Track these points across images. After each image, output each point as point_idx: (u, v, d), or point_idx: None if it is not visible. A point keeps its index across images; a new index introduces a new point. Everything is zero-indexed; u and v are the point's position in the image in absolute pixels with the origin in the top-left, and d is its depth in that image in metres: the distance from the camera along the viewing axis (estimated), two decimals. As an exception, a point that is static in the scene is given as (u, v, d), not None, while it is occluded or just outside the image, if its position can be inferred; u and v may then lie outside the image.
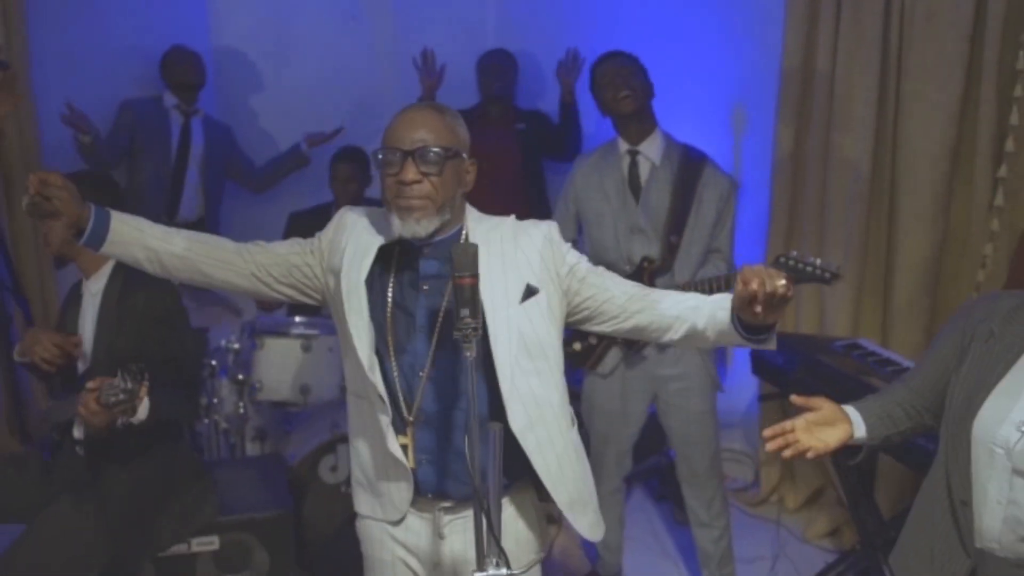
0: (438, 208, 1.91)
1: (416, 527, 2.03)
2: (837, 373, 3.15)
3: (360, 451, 2.08)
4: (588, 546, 3.74)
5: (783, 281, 1.72)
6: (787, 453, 1.99)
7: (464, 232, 2.00)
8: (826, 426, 2.03)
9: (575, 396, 2.39)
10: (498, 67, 4.60)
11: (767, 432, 2.02)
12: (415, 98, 4.59)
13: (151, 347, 2.62)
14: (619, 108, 3.18)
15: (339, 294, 1.98)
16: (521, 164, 4.53)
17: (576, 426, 2.10)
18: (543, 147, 4.60)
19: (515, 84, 4.70)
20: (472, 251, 1.76)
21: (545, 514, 2.15)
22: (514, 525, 2.05)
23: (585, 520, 2.06)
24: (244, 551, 2.93)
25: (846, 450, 2.10)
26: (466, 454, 1.75)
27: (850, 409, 2.07)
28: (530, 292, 1.95)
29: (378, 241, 1.98)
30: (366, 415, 2.02)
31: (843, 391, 2.84)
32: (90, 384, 2.39)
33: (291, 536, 2.98)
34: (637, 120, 3.21)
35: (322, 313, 4.02)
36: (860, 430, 2.05)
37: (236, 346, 3.78)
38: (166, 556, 2.84)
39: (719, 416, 3.43)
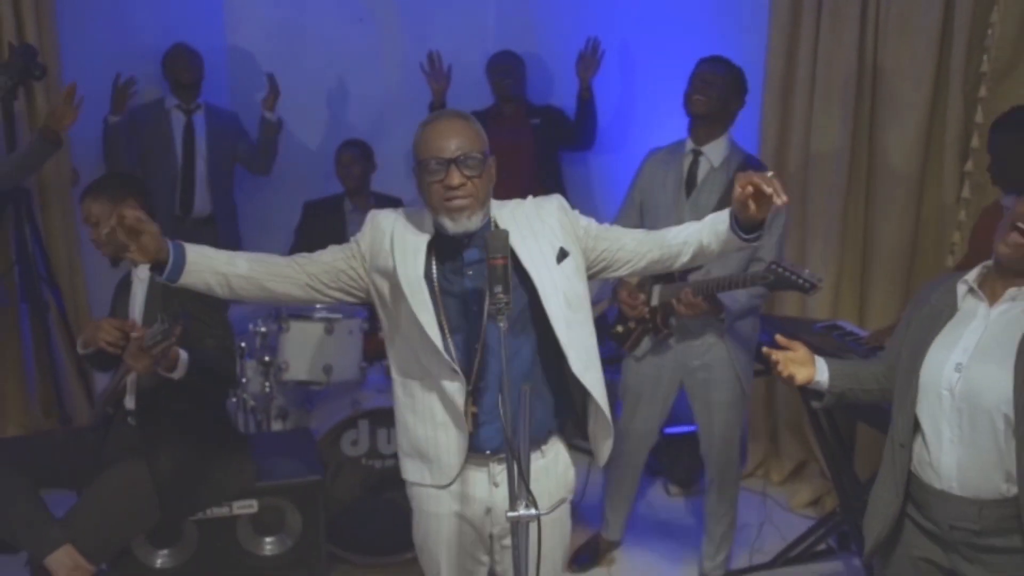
0: (480, 204, 2.14)
1: (472, 479, 2.26)
2: (818, 351, 3.13)
3: (409, 426, 2.28)
4: (591, 513, 3.93)
5: (770, 174, 2.06)
6: (779, 369, 2.36)
7: (492, 219, 2.22)
8: (800, 365, 2.38)
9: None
10: (507, 67, 4.72)
11: (769, 352, 2.39)
12: (419, 95, 4.75)
13: (193, 323, 2.78)
14: (690, 108, 3.30)
15: (397, 290, 2.16)
16: (536, 157, 4.64)
17: None
18: (559, 139, 4.71)
19: (525, 81, 4.81)
20: (504, 236, 2.01)
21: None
22: (554, 469, 2.32)
23: (607, 450, 2.33)
24: (279, 514, 3.10)
25: (812, 393, 2.47)
26: (500, 412, 2.00)
27: (819, 359, 2.41)
28: (563, 254, 2.20)
29: (424, 238, 2.18)
30: (419, 393, 2.23)
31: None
32: (134, 333, 2.61)
33: (322, 501, 3.13)
34: (707, 123, 3.30)
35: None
36: (823, 375, 2.40)
37: (263, 329, 3.92)
38: (208, 518, 3.00)
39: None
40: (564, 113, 4.81)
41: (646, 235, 2.32)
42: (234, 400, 3.96)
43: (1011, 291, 2.15)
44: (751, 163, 3.34)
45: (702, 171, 3.35)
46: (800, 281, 2.93)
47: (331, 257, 2.24)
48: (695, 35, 4.48)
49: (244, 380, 3.96)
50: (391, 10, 5.08)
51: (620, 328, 3.52)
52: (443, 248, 2.19)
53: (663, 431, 4.38)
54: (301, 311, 3.87)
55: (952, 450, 2.16)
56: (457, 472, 2.25)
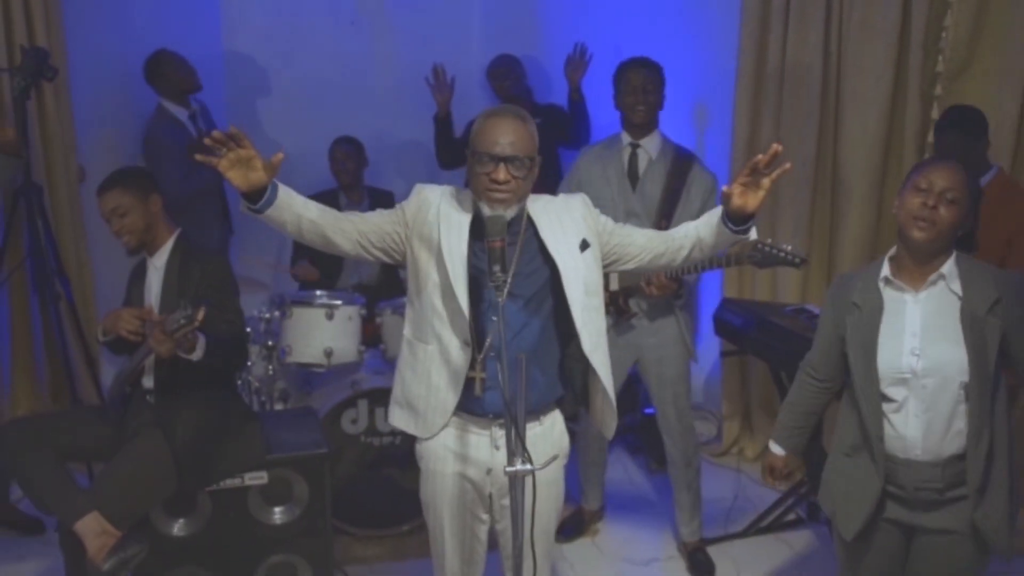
0: (519, 200, 2.36)
1: (475, 442, 2.48)
2: (787, 332, 3.55)
3: (406, 380, 2.51)
4: (571, 489, 4.11)
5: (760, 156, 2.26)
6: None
7: (526, 210, 2.43)
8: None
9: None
10: (506, 70, 4.86)
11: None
12: (411, 95, 4.89)
13: (208, 309, 2.90)
14: (633, 117, 3.54)
15: (436, 258, 2.36)
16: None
17: None
18: (558, 137, 4.82)
19: (525, 80, 4.92)
20: (501, 222, 2.24)
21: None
22: (550, 434, 2.54)
23: (613, 424, 2.58)
24: (288, 485, 3.25)
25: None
26: (499, 380, 2.19)
27: (771, 442, 2.78)
28: (586, 244, 2.43)
29: (467, 217, 2.38)
30: (422, 355, 2.45)
31: (792, 348, 3.32)
32: (156, 318, 2.80)
33: (327, 473, 3.28)
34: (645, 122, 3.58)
35: (337, 287, 4.43)
36: (778, 450, 2.77)
37: (267, 315, 4.10)
38: (221, 488, 3.14)
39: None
40: (566, 112, 4.89)
41: (655, 234, 2.55)
42: (239, 382, 4.10)
43: (932, 276, 2.37)
44: (683, 153, 3.61)
45: (642, 163, 3.60)
46: (789, 256, 3.12)
47: (379, 219, 2.43)
48: (670, 43, 4.56)
49: (249, 363, 4.11)
50: (380, 12, 5.20)
51: None
52: (477, 228, 2.37)
53: (644, 412, 4.63)
54: (303, 297, 4.05)
55: (917, 423, 2.37)
56: (438, 430, 2.48)
